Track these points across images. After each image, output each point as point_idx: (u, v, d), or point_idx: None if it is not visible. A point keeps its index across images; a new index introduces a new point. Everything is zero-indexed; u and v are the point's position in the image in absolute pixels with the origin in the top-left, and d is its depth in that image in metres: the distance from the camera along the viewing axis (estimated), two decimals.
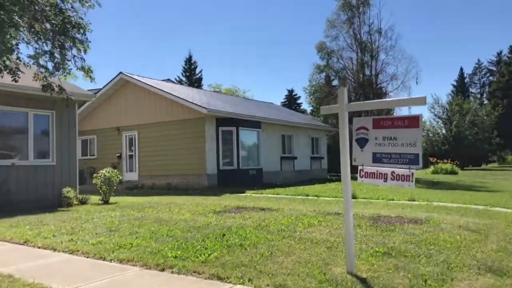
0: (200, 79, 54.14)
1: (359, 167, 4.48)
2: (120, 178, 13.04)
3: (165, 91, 18.94)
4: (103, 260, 5.33)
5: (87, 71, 5.64)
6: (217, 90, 45.77)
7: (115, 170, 12.92)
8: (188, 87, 30.34)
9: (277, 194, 14.73)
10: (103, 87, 20.92)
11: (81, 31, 4.89)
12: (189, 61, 53.49)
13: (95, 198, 12.63)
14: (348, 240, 4.55)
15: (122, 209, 10.25)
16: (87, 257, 5.50)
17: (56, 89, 5.90)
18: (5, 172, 11.14)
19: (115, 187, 12.79)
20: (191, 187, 17.52)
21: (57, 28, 4.54)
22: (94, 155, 21.86)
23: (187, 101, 18.03)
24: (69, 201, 11.64)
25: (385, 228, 6.78)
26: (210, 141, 18.00)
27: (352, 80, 33.39)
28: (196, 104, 17.70)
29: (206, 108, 17.29)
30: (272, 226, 7.00)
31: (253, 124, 20.14)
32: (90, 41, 5.21)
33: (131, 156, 20.35)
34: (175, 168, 18.52)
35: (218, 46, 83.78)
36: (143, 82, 19.88)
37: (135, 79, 20.08)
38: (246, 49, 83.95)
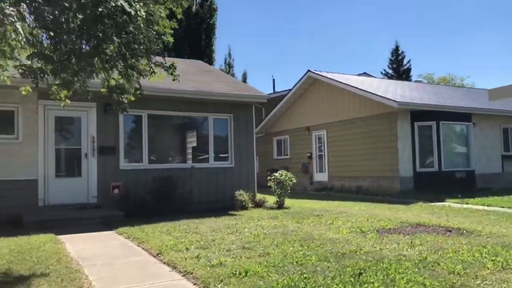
0: (409, 70, 49.93)
1: None
2: (294, 181, 12.33)
3: (351, 86, 17.42)
4: None
5: (168, 68, 4.82)
6: (420, 80, 41.27)
7: (289, 173, 12.29)
8: (381, 79, 27.54)
9: (487, 205, 11.55)
10: (293, 87, 20.80)
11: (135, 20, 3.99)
12: (396, 52, 50.00)
13: (273, 200, 12.25)
14: None
15: (284, 218, 9.42)
16: (194, 284, 4.74)
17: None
18: (188, 175, 11.73)
19: (289, 191, 12.18)
20: (382, 191, 15.57)
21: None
22: (287, 155, 21.99)
23: (375, 94, 16.09)
24: (243, 203, 11.50)
25: None
26: (403, 139, 15.64)
27: None
28: (384, 97, 15.61)
29: (396, 101, 15.03)
30: (443, 264, 4.92)
31: (460, 116, 16.68)
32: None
33: (320, 156, 19.58)
34: (364, 170, 16.83)
35: (426, 37, 76.17)
36: (329, 78, 18.83)
37: (322, 76, 19.21)
38: (465, 33, 73.62)
